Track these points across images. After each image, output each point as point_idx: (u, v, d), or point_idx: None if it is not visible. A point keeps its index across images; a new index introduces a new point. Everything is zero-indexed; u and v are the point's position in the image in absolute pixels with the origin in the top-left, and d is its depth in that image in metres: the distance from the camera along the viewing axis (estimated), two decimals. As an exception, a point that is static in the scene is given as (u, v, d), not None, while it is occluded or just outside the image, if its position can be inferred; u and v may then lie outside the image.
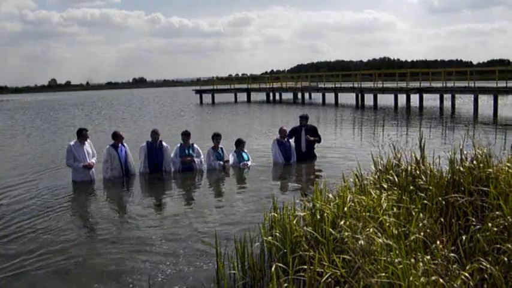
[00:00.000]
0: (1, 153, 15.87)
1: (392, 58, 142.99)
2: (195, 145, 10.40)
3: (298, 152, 10.95)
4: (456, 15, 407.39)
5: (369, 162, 6.62)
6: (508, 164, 5.25)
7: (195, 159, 10.21)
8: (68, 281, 4.88)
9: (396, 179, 5.55)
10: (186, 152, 10.18)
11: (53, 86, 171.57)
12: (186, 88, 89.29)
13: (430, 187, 5.09)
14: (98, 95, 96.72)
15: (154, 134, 10.08)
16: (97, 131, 20.04)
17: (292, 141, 11.05)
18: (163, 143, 10.16)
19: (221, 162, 10.26)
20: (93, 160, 9.57)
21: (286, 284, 3.75)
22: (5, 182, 9.91)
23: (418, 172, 5.63)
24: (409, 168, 5.79)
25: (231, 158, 10.47)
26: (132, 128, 22.31)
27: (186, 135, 10.25)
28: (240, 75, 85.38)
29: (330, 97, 38.44)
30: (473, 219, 4.36)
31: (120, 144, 9.77)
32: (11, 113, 42.24)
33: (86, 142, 9.51)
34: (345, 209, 4.56)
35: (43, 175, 10.65)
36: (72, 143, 9.48)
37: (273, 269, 3.87)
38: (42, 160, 13.00)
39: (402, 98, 31.61)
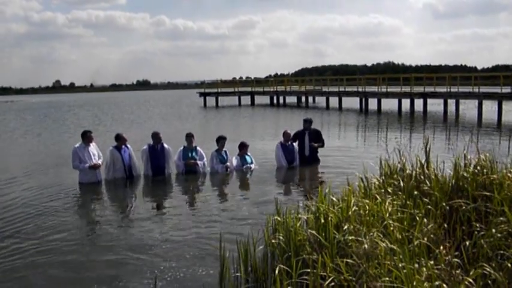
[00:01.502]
0: (14, 151, 16.15)
1: (396, 62, 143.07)
2: (198, 148, 10.41)
3: (301, 155, 10.95)
4: (461, 20, 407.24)
5: (373, 166, 6.62)
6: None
7: (199, 162, 10.23)
8: (68, 282, 4.89)
9: (401, 184, 5.55)
10: (190, 154, 10.19)
11: (57, 88, 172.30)
12: (190, 91, 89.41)
13: (435, 192, 5.09)
14: (102, 97, 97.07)
15: (155, 136, 10.11)
16: (108, 131, 20.30)
17: (295, 144, 11.05)
18: (165, 145, 10.18)
19: (225, 165, 10.26)
20: (100, 161, 9.62)
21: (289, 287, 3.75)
22: (14, 180, 10.10)
23: (422, 177, 5.62)
24: (413, 173, 5.78)
25: (235, 161, 10.47)
26: (141, 129, 22.45)
27: (190, 137, 10.27)
28: (244, 78, 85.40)
29: (334, 101, 38.39)
30: (477, 225, 4.36)
31: (123, 146, 9.81)
32: (20, 114, 42.66)
33: (91, 144, 9.57)
34: (349, 212, 4.56)
35: (51, 175, 10.81)
36: (77, 145, 9.55)
37: (276, 272, 3.88)
38: (51, 159, 13.23)
39: (406, 103, 31.56)
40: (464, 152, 5.80)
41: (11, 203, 8.13)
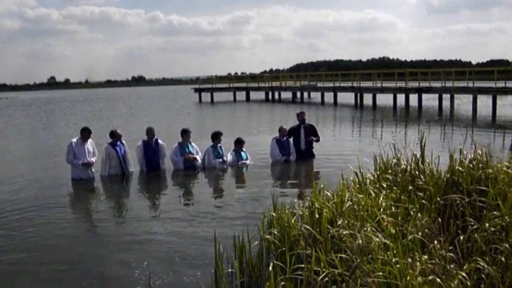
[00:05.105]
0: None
1: (391, 58, 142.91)
2: (192, 143, 10.37)
3: (297, 150, 10.94)
4: (455, 15, 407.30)
5: (368, 161, 6.62)
6: (507, 164, 5.25)
7: (197, 157, 10.20)
8: (62, 280, 4.85)
9: (396, 178, 5.55)
10: (187, 150, 10.16)
11: (52, 84, 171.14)
12: (185, 87, 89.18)
13: (429, 187, 5.09)
14: (98, 93, 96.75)
15: (150, 132, 10.07)
16: (112, 127, 20.49)
17: (291, 140, 11.04)
18: (159, 141, 10.15)
19: (222, 160, 10.23)
20: (93, 159, 9.58)
21: (283, 283, 3.74)
22: (11, 175, 10.26)
23: (417, 172, 5.61)
24: (408, 167, 5.78)
25: (230, 157, 10.44)
26: (141, 123, 22.47)
27: (187, 132, 10.22)
28: (239, 74, 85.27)
29: (329, 96, 38.41)
30: (471, 219, 4.36)
31: (118, 143, 9.77)
32: (24, 109, 42.79)
33: (87, 141, 9.54)
34: (344, 207, 4.55)
35: (49, 171, 10.89)
36: (74, 139, 9.54)
37: (270, 267, 3.87)
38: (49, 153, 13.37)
39: (401, 98, 31.61)
40: (460, 146, 5.80)
41: (5, 196, 8.11)
